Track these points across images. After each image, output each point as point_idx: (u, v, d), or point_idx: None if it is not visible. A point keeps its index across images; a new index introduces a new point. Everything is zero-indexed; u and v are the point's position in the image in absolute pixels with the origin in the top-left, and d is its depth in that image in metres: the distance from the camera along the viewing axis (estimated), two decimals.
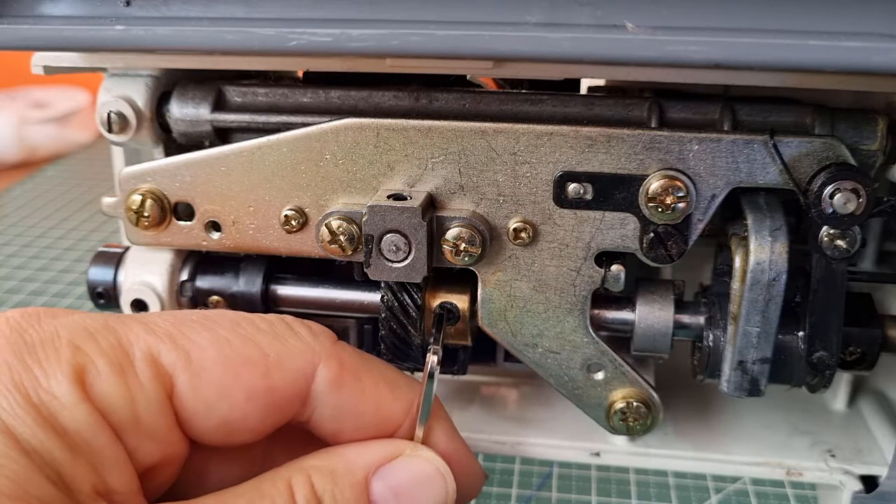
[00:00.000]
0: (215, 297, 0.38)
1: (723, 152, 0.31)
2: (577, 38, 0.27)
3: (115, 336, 0.25)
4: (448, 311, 0.35)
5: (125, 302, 0.38)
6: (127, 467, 0.24)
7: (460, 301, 0.35)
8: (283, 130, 0.34)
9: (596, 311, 0.35)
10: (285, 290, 0.38)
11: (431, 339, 0.33)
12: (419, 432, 0.28)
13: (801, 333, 0.33)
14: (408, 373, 0.36)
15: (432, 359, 0.29)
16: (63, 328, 0.24)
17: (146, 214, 0.35)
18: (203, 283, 0.38)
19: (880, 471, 0.37)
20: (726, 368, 0.33)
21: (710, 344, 0.34)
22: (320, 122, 0.33)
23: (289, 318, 0.29)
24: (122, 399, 0.24)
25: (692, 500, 0.45)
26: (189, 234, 0.36)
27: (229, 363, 0.26)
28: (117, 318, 0.26)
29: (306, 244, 0.35)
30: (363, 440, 0.28)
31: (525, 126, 0.32)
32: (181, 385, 0.25)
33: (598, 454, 0.39)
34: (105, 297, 0.39)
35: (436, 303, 0.35)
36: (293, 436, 0.29)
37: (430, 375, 0.29)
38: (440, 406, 0.30)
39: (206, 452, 0.28)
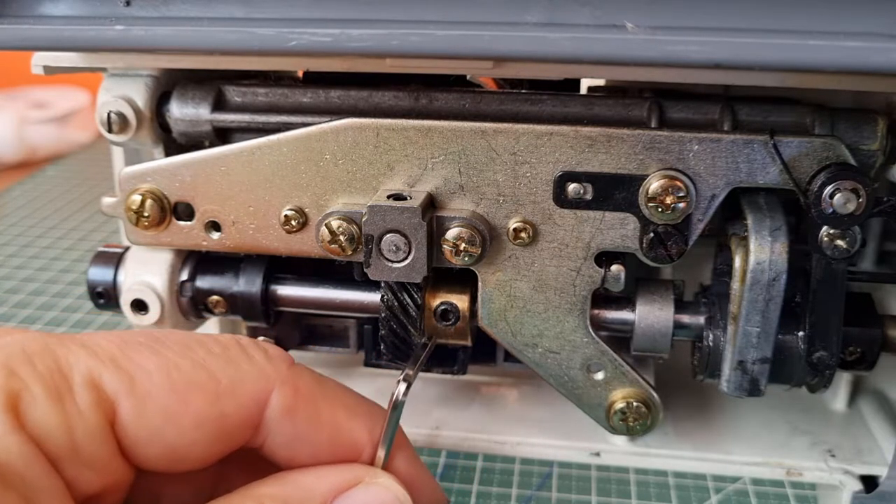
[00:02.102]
0: (215, 297, 0.38)
1: (723, 152, 0.31)
2: (577, 38, 0.27)
3: (54, 359, 0.23)
4: (436, 343, 0.35)
5: (125, 302, 0.38)
6: (64, 499, 0.23)
7: (460, 301, 0.35)
8: (283, 130, 0.34)
9: (596, 311, 0.35)
10: (285, 290, 0.38)
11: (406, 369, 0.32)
12: (380, 455, 0.27)
13: (801, 333, 0.33)
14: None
15: (401, 387, 0.28)
16: None
17: (146, 214, 0.35)
18: (203, 283, 0.38)
19: (880, 471, 0.37)
20: (726, 368, 0.33)
21: (710, 344, 0.34)
22: (320, 122, 0.33)
23: (244, 339, 0.27)
24: (59, 427, 0.22)
25: (692, 500, 0.45)
26: (189, 234, 0.36)
27: (177, 389, 0.24)
28: (58, 340, 0.24)
29: (306, 244, 0.35)
30: (319, 465, 0.27)
31: (525, 126, 0.32)
32: (124, 411, 0.24)
33: (598, 454, 0.39)
34: (105, 298, 0.39)
35: (436, 303, 0.35)
36: (249, 456, 0.28)
37: (395, 405, 0.28)
38: (401, 432, 0.29)
39: (157, 475, 0.27)
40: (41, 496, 0.22)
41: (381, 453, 0.28)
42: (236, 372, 0.26)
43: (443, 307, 0.35)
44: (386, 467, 0.28)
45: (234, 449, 0.26)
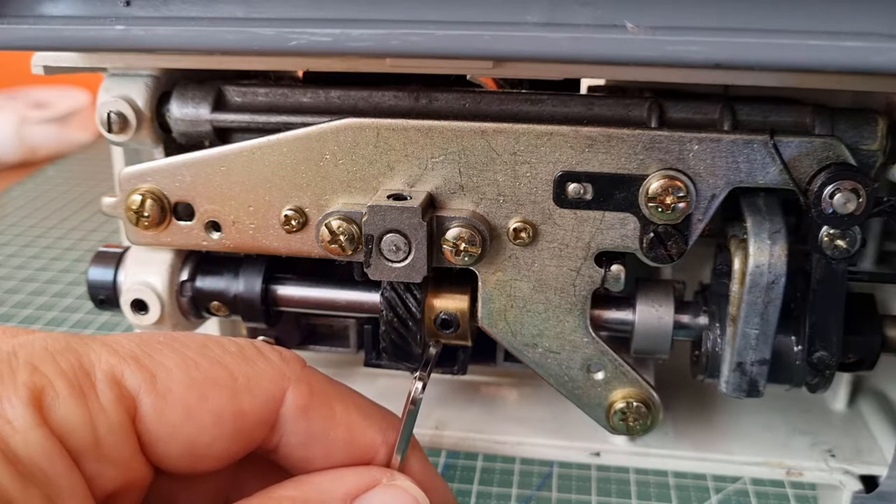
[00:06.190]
0: (216, 304, 0.38)
1: (723, 152, 0.31)
2: (577, 38, 0.27)
3: (77, 356, 0.24)
4: (445, 344, 0.35)
5: (125, 302, 0.38)
6: (84, 496, 0.23)
7: (460, 303, 0.35)
8: (283, 130, 0.34)
9: (596, 311, 0.35)
10: (285, 290, 0.38)
11: (418, 371, 0.32)
12: (396, 460, 0.27)
13: (801, 334, 0.33)
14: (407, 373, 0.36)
15: (417, 385, 0.28)
16: (21, 348, 0.23)
17: (146, 214, 0.35)
18: (203, 283, 0.38)
19: (880, 471, 0.37)
20: (725, 369, 0.33)
21: (710, 345, 0.34)
22: (320, 122, 0.33)
23: (258, 342, 0.28)
24: (82, 423, 0.23)
25: (692, 500, 0.45)
26: (189, 234, 0.36)
27: (196, 385, 0.25)
28: (79, 339, 0.25)
29: (306, 244, 0.35)
30: (335, 468, 0.27)
31: (525, 126, 0.32)
32: (145, 408, 0.24)
33: (598, 454, 0.39)
34: (105, 298, 0.39)
35: (436, 302, 0.35)
36: (263, 464, 0.28)
37: (413, 402, 0.28)
38: (412, 435, 0.29)
39: (174, 479, 0.27)
40: (62, 492, 0.22)
41: (395, 456, 0.27)
42: (253, 370, 0.26)
43: (443, 317, 0.35)
44: (401, 469, 0.28)
45: (252, 448, 0.27)
